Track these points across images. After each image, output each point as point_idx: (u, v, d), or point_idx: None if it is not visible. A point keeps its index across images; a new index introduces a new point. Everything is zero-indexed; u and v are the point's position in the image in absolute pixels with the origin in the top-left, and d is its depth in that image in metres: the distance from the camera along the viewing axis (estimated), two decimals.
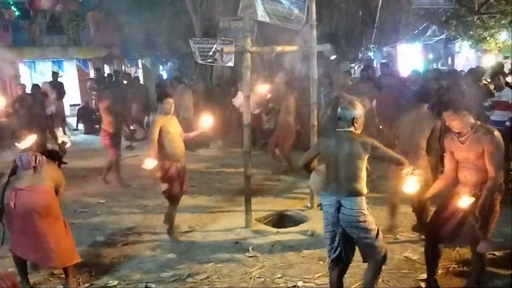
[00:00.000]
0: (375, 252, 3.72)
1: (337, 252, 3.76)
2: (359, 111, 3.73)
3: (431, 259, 4.19)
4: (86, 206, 6.99)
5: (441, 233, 3.99)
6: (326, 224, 3.80)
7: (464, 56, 16.41)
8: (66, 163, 6.86)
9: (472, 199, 3.65)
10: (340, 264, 3.82)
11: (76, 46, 16.85)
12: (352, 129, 3.70)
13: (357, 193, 3.63)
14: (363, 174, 3.67)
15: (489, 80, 8.42)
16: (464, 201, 3.65)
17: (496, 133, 3.74)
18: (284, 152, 8.60)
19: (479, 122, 3.86)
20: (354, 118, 3.69)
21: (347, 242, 3.72)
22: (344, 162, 3.63)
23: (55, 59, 16.87)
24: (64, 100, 14.36)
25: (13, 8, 16.27)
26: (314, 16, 6.25)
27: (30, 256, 4.42)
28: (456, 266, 4.67)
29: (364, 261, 3.93)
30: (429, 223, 4.14)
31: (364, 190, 3.67)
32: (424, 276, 4.32)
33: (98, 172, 8.47)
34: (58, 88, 13.62)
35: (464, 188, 3.81)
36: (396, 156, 3.83)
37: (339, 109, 3.80)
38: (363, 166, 3.65)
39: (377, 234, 3.69)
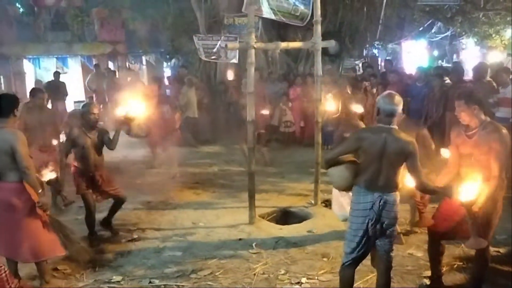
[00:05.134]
0: (390, 254, 3.65)
1: (362, 251, 3.66)
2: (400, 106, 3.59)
3: (434, 256, 4.18)
4: None
5: (444, 229, 3.97)
6: (362, 222, 3.59)
7: (468, 53, 16.37)
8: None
9: (475, 192, 3.57)
10: (358, 262, 3.76)
11: (80, 43, 16.81)
12: (394, 126, 3.56)
13: (396, 188, 3.57)
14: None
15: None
16: (467, 192, 3.54)
17: (505, 131, 3.70)
18: (156, 145, 8.64)
19: (488, 119, 3.81)
20: (396, 113, 3.56)
21: (373, 241, 3.64)
22: (388, 160, 3.49)
23: (60, 56, 16.87)
24: (67, 99, 13.52)
25: (17, 4, 16.28)
26: (319, 12, 6.23)
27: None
28: (460, 263, 4.66)
29: (373, 265, 3.89)
30: (431, 220, 4.11)
31: (399, 184, 3.60)
32: (429, 273, 4.31)
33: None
34: (59, 88, 12.94)
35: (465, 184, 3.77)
36: (422, 178, 3.54)
37: (388, 104, 3.54)
38: (403, 164, 3.53)
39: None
